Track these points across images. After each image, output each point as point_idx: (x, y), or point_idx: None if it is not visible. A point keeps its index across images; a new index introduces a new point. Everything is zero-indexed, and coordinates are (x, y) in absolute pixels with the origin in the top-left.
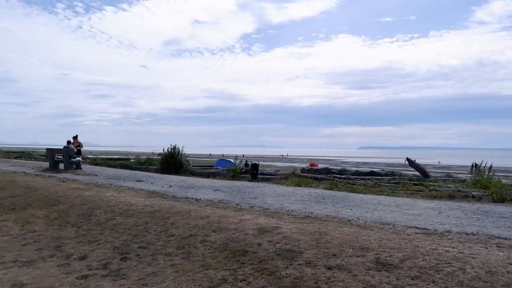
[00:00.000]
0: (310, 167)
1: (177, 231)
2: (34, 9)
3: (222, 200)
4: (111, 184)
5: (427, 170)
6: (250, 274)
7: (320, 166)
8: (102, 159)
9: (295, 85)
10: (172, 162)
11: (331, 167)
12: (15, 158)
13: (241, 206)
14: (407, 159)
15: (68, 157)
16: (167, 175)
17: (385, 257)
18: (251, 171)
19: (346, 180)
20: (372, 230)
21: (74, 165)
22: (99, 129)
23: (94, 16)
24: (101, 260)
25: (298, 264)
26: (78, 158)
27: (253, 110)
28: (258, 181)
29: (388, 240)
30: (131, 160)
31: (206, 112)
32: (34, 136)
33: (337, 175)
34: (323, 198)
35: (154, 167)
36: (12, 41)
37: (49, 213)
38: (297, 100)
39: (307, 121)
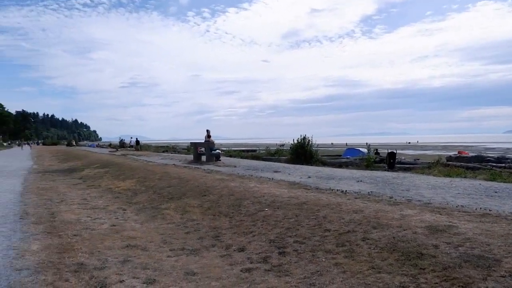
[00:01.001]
0: (458, 155)
1: (331, 225)
2: (170, 20)
3: (371, 192)
4: (251, 175)
5: None
6: (436, 283)
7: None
8: (235, 151)
9: (423, 65)
10: (302, 152)
11: (485, 154)
12: (163, 152)
13: (395, 200)
14: None
15: (209, 149)
16: (300, 166)
17: None
18: (387, 160)
19: (508, 170)
20: None
21: (214, 157)
22: (228, 123)
23: (219, 19)
24: (259, 253)
25: (500, 276)
26: (218, 151)
27: (376, 95)
28: (396, 171)
29: None
30: (260, 151)
31: (326, 101)
32: (174, 132)
33: (495, 164)
34: (495, 192)
35: (284, 157)
36: (154, 50)
37: (202, 203)
38: (426, 81)
39: (439, 104)
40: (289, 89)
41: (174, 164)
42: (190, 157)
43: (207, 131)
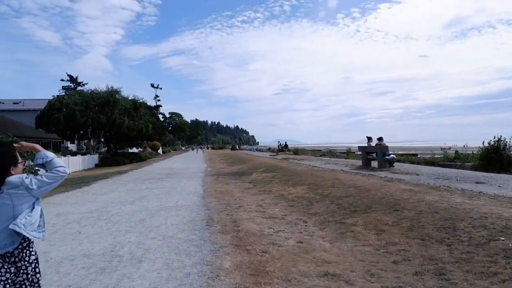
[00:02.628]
0: None
1: None
2: (319, 25)
3: None
4: (448, 187)
5: None
6: None
7: None
8: (401, 155)
9: None
10: (497, 158)
11: None
12: (320, 156)
13: None
14: None
15: (382, 154)
16: (508, 176)
17: None
18: None
19: None
20: None
21: (388, 163)
22: (381, 126)
23: (370, 17)
24: None
25: None
26: (392, 155)
27: None
28: None
29: None
30: (434, 156)
31: (502, 96)
32: (324, 135)
33: None
34: None
35: (468, 163)
36: (303, 56)
37: (397, 220)
38: None
39: None
40: (453, 86)
41: (342, 170)
42: (355, 162)
43: (380, 138)
